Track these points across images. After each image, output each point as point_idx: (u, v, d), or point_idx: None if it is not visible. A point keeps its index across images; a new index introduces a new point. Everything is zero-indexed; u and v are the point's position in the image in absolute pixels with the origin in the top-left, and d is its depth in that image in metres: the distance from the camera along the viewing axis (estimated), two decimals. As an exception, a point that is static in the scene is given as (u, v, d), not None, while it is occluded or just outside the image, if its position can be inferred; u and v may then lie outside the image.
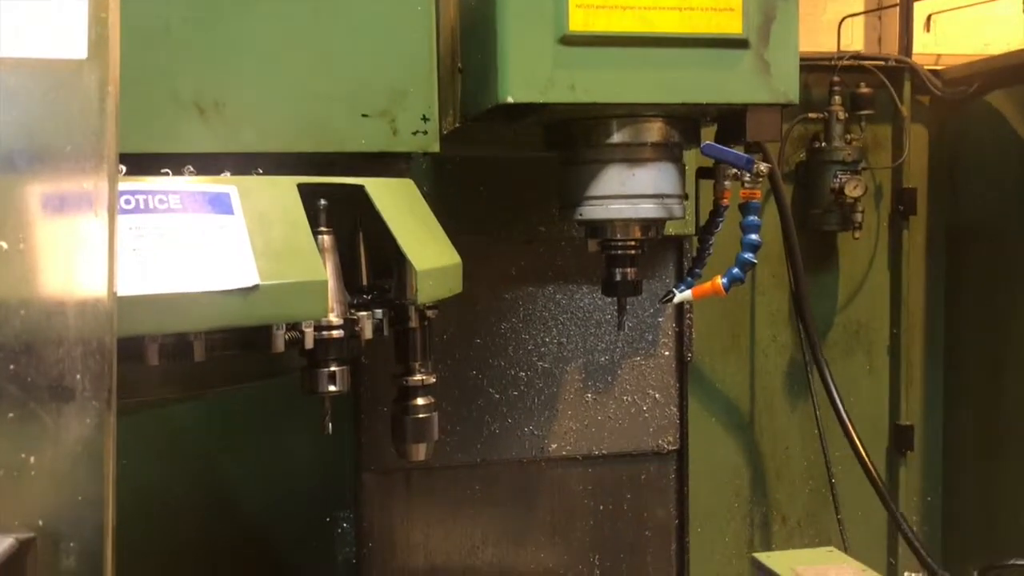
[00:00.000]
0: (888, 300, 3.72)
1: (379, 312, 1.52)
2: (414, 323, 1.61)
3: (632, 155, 1.91)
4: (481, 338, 2.65)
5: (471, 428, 2.66)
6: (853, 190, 3.35)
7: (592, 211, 1.95)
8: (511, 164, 2.51)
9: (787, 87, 1.83)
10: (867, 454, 3.05)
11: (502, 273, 2.65)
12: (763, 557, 2.05)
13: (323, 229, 1.44)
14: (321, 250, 1.41)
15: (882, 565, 3.77)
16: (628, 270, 2.04)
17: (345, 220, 1.57)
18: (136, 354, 1.26)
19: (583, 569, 2.77)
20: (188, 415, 3.18)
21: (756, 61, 1.81)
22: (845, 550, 3.59)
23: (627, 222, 1.96)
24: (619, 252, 2.03)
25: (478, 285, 2.62)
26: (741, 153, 1.90)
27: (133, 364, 1.26)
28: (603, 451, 2.73)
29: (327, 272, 1.39)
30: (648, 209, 1.93)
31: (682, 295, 2.05)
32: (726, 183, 1.97)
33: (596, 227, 2.01)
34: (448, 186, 2.48)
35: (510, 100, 1.72)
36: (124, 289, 1.16)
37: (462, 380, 2.65)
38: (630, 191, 1.92)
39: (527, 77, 1.72)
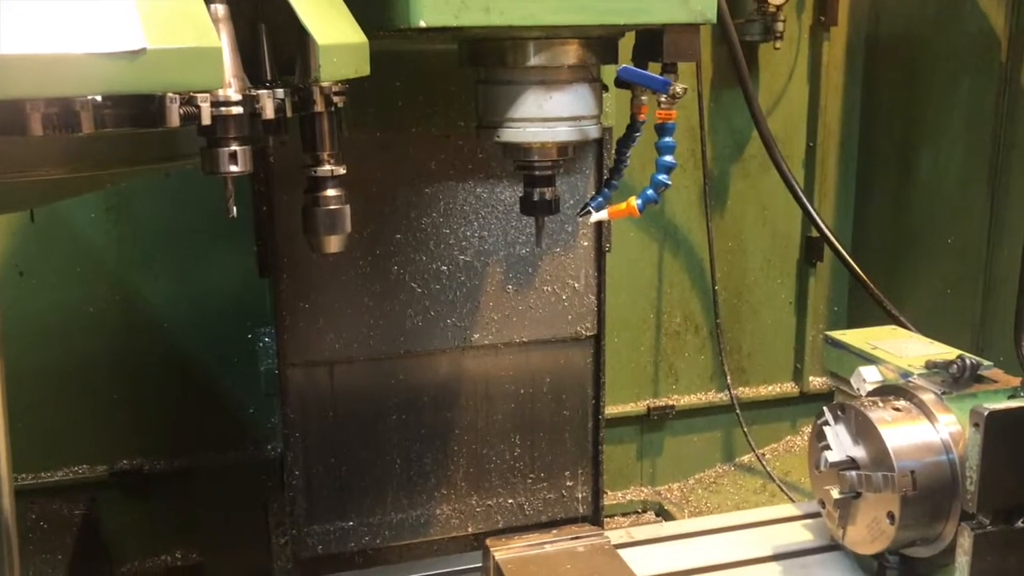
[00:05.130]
0: (806, 113, 3.75)
1: (280, 92, 1.45)
2: (320, 107, 1.54)
3: (549, 77, 1.88)
4: (402, 233, 2.60)
5: (393, 321, 2.63)
6: (776, -3, 3.30)
7: (510, 134, 1.94)
8: (427, 57, 2.42)
9: (704, 6, 1.76)
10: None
11: (421, 167, 2.57)
12: (837, 335, 2.19)
13: (215, -2, 1.36)
14: (214, 19, 1.33)
15: (790, 370, 3.96)
16: (546, 190, 2.05)
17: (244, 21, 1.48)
18: (19, 125, 1.19)
19: (504, 448, 2.85)
20: (101, 235, 3.12)
21: (672, -21, 1.75)
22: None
23: (544, 145, 1.96)
24: (537, 173, 2.03)
25: (397, 180, 2.56)
26: (657, 76, 1.87)
27: (18, 138, 1.20)
28: (523, 339, 2.77)
29: (222, 41, 1.31)
30: (565, 132, 1.93)
31: (598, 215, 2.09)
32: (643, 98, 1.97)
33: (514, 149, 2.01)
34: (362, 80, 2.38)
35: (423, 24, 1.63)
36: (-6, 48, 1.08)
37: (383, 275, 2.60)
38: (547, 114, 1.91)
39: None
